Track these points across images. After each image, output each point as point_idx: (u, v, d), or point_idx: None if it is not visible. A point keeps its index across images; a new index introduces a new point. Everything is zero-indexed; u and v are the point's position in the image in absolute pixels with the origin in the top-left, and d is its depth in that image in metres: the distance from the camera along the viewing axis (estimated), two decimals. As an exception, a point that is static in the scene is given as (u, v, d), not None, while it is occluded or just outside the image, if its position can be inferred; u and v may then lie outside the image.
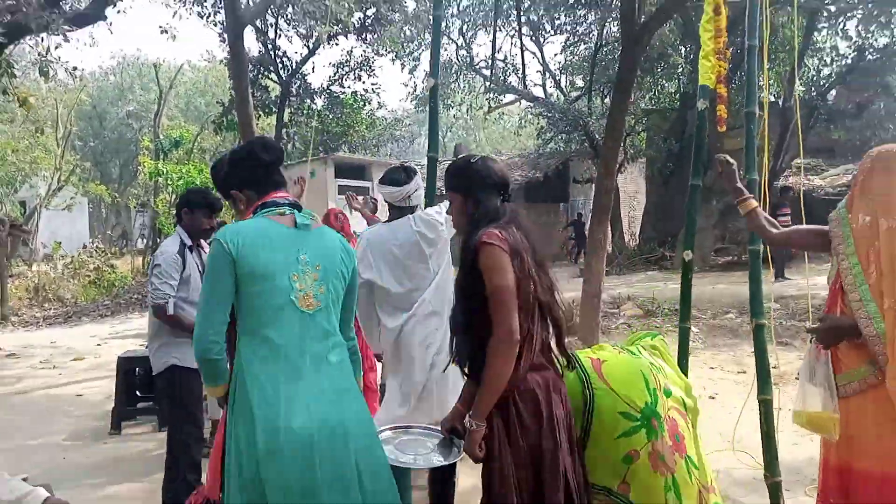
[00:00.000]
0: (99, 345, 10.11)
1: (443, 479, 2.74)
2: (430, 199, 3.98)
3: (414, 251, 3.58)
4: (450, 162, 2.62)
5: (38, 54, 9.04)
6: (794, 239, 2.93)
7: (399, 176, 3.64)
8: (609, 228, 12.17)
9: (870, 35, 15.33)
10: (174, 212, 4.59)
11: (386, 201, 3.73)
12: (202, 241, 4.05)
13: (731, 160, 2.97)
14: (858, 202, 2.51)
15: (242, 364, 2.12)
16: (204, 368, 2.18)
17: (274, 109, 19.84)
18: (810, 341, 2.60)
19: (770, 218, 2.94)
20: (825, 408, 2.45)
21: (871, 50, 15.76)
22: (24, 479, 3.76)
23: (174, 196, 19.09)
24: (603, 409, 2.46)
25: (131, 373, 6.03)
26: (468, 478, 3.84)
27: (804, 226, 2.90)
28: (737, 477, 4.31)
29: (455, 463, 2.49)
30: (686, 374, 3.78)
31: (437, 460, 2.43)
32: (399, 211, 3.67)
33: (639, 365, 2.62)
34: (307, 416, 2.07)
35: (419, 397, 3.55)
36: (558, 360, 2.40)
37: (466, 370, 2.33)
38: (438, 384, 3.56)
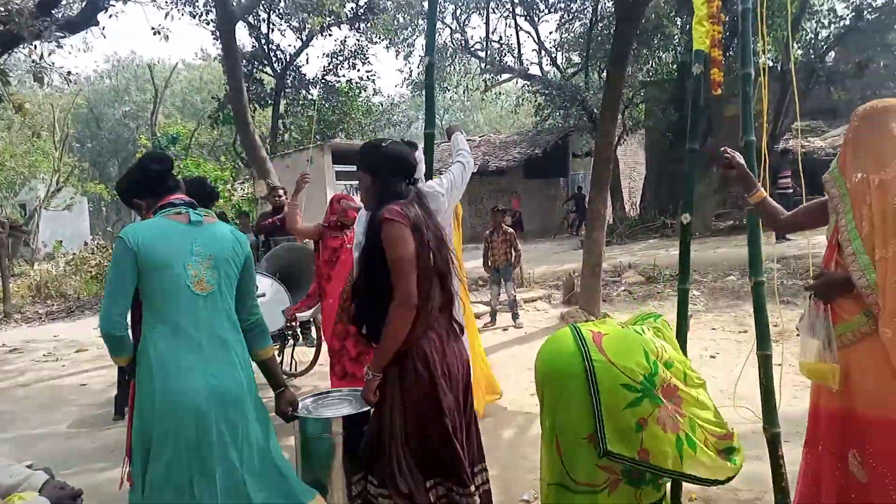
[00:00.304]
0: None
1: (355, 429, 2.85)
2: (429, 176, 4.00)
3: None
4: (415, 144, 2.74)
5: (33, 61, 9.05)
6: (801, 219, 2.91)
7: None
8: (609, 199, 12.14)
9: (867, -5, 15.18)
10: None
11: None
12: None
13: (733, 153, 2.98)
14: (850, 160, 2.54)
15: (146, 339, 2.47)
16: (109, 343, 2.49)
17: (270, 102, 19.83)
18: (809, 297, 2.65)
19: (777, 205, 2.95)
20: (824, 359, 2.53)
21: (869, 9, 15.59)
22: (29, 466, 3.78)
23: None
24: (604, 382, 2.48)
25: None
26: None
27: (806, 203, 2.89)
28: (738, 431, 4.27)
29: (367, 414, 2.74)
30: (685, 336, 3.76)
31: (346, 411, 2.82)
32: None
33: (639, 338, 2.66)
34: (202, 383, 2.42)
35: None
36: (458, 324, 2.68)
37: (365, 331, 2.56)
38: None
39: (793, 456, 3.43)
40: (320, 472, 2.90)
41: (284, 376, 6.48)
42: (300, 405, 2.93)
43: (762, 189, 2.96)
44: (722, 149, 3.00)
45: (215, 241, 2.60)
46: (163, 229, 2.51)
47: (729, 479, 2.72)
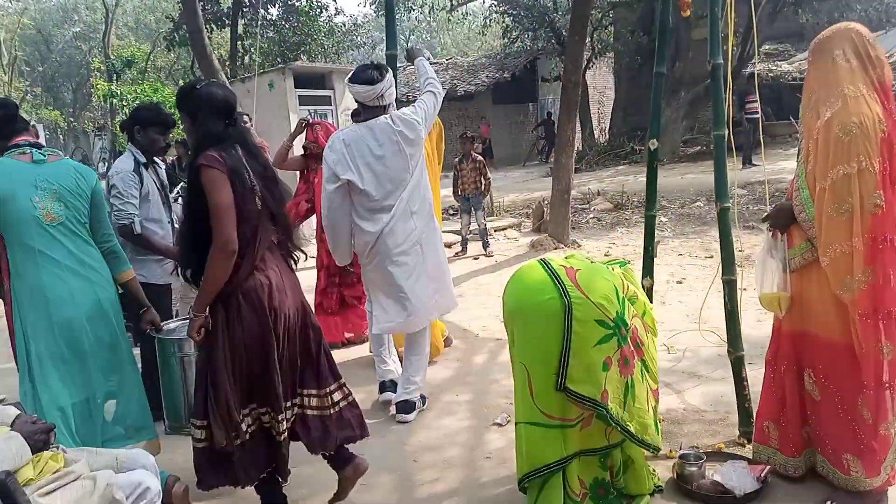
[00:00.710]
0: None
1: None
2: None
3: (395, 151, 3.51)
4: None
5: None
6: None
7: (372, 74, 3.51)
8: (578, 125, 12.07)
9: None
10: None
11: (357, 101, 3.61)
12: (156, 157, 3.93)
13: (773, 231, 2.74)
14: (806, 95, 2.59)
15: (11, 266, 2.82)
16: None
17: (227, 22, 19.05)
18: (766, 229, 2.74)
19: None
20: (776, 287, 2.64)
21: (839, -73, 15.35)
22: (2, 400, 3.74)
23: (131, 117, 18.48)
24: (581, 318, 2.47)
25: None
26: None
27: None
28: (703, 355, 4.43)
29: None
30: (652, 262, 3.81)
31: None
32: (372, 111, 3.56)
33: (609, 273, 2.65)
34: (68, 302, 2.80)
35: (412, 301, 3.67)
36: (293, 258, 2.77)
37: (190, 275, 2.61)
38: (421, 283, 3.69)
39: (755, 377, 3.57)
40: (178, 395, 3.15)
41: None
42: (165, 327, 3.25)
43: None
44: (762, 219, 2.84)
45: (59, 177, 2.88)
46: (8, 168, 2.80)
47: (652, 450, 2.70)
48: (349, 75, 3.63)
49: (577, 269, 2.60)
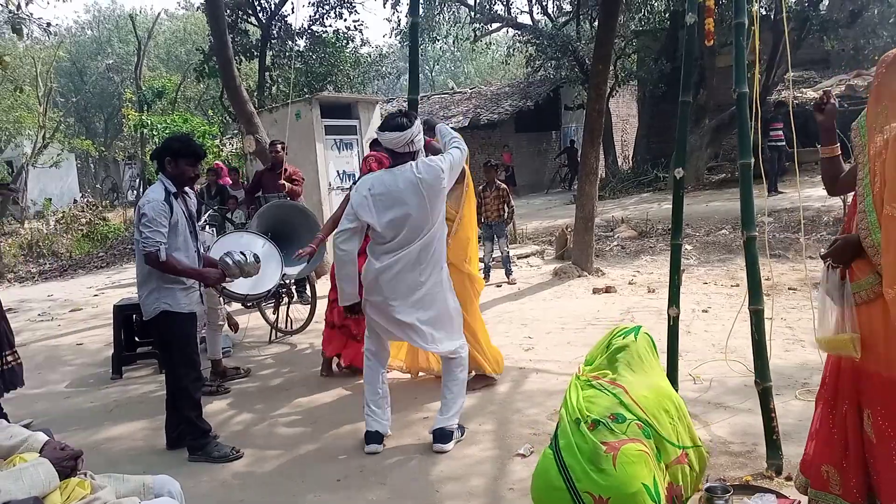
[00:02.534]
0: (96, 295, 10.15)
1: None
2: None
3: (417, 199, 3.57)
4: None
5: (9, 12, 8.79)
6: (845, 182, 2.78)
7: (401, 121, 3.59)
8: (601, 152, 12.07)
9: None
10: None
11: (387, 148, 3.68)
12: (186, 188, 4.02)
13: (835, 100, 2.75)
14: (873, 109, 2.39)
15: None
16: None
17: (255, 54, 19.42)
18: (827, 267, 2.50)
19: (843, 166, 2.74)
20: (843, 329, 2.41)
21: (864, -45, 15.33)
22: (28, 425, 3.80)
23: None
24: None
25: (129, 319, 6.07)
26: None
27: (845, 166, 2.77)
28: (730, 385, 4.37)
29: None
30: (678, 290, 3.78)
31: None
32: (401, 157, 3.64)
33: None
34: None
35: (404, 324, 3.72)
36: None
37: None
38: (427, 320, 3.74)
39: (782, 408, 3.51)
40: None
41: (280, 334, 6.57)
42: None
43: (839, 146, 2.75)
44: (825, 91, 2.80)
45: None
46: None
47: None
48: (379, 124, 3.73)
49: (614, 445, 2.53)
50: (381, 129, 3.66)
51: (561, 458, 2.57)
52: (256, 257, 4.19)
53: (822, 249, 2.65)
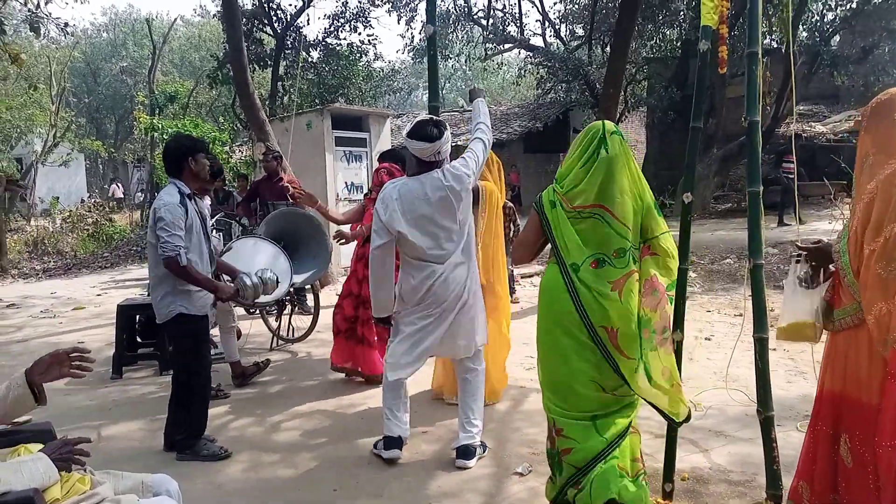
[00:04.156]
0: (99, 294, 10.16)
1: None
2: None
3: (444, 205, 3.56)
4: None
5: (28, 11, 8.89)
6: None
7: (431, 131, 3.56)
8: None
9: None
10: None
11: (414, 156, 3.65)
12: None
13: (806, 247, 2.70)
14: (860, 159, 2.50)
15: None
16: None
17: (269, 63, 19.57)
18: (794, 256, 2.68)
19: None
20: (807, 315, 2.57)
21: (877, -7, 15.45)
22: (27, 421, 3.79)
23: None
24: None
25: (131, 320, 6.08)
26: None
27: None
28: (730, 414, 4.35)
29: None
30: (683, 315, 3.77)
31: None
32: (427, 166, 3.62)
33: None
34: None
35: (443, 335, 3.70)
36: None
37: None
38: (463, 325, 3.72)
39: (783, 439, 3.50)
40: None
41: (282, 341, 6.57)
42: None
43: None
44: (798, 246, 2.75)
45: None
46: None
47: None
48: (407, 130, 3.65)
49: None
50: (410, 136, 3.59)
51: (576, 293, 2.83)
52: (277, 280, 4.21)
53: (799, 243, 2.71)
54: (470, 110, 4.45)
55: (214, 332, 5.22)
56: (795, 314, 2.61)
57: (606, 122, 3.07)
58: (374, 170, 5.36)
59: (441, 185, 3.55)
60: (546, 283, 3.01)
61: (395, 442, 3.75)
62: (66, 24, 9.98)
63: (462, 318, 3.71)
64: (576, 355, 2.85)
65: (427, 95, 4.50)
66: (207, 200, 4.18)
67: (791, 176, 12.29)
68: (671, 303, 2.96)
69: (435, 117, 3.75)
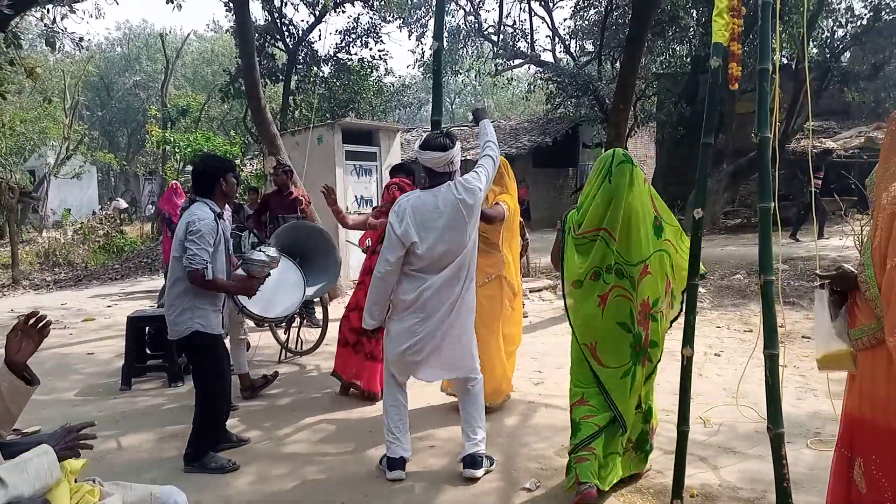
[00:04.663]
0: (109, 306, 10.22)
1: None
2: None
3: (456, 218, 3.58)
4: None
5: (45, 25, 9.00)
6: None
7: (443, 142, 3.62)
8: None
9: (886, -6, 15.02)
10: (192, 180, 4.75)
11: (425, 167, 3.69)
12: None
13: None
14: (882, 168, 2.43)
15: None
16: None
17: (281, 77, 19.73)
18: (819, 286, 2.55)
19: None
20: (836, 346, 2.46)
21: (887, 10, 15.43)
22: (37, 431, 3.81)
23: (182, 164, 19.10)
24: None
25: (141, 331, 6.11)
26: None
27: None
28: (740, 431, 4.32)
29: None
30: (693, 331, 3.76)
31: None
32: (439, 177, 3.66)
33: None
34: None
35: (430, 349, 3.67)
36: None
37: None
38: (448, 338, 3.68)
39: (793, 456, 3.47)
40: None
41: (291, 354, 6.58)
42: None
43: None
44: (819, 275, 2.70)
45: None
46: None
47: None
48: (419, 142, 3.71)
49: None
50: (423, 147, 3.65)
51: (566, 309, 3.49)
52: (272, 254, 4.15)
53: (819, 271, 2.67)
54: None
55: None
56: (828, 344, 2.51)
57: (618, 150, 3.50)
58: (385, 185, 5.38)
59: (454, 199, 3.58)
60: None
61: (397, 463, 3.75)
62: (81, 39, 10.10)
63: (451, 332, 3.68)
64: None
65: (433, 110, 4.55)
66: (228, 210, 4.22)
67: (817, 192, 12.23)
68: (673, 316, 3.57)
69: (447, 130, 3.80)
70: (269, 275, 4.13)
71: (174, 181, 10.51)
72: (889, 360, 2.27)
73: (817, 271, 2.72)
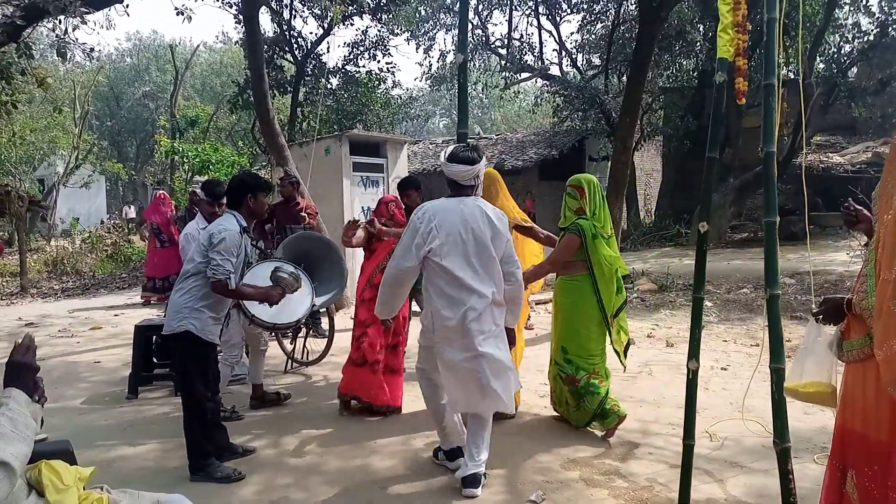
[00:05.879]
0: (116, 315, 10.25)
1: None
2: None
3: (485, 236, 3.59)
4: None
5: (56, 36, 9.09)
6: None
7: (471, 156, 3.65)
8: (624, 204, 12.13)
9: (893, 10, 15.04)
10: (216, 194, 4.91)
11: (450, 179, 3.71)
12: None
13: (858, 208, 2.83)
14: (885, 179, 2.43)
15: None
16: None
17: (289, 89, 19.87)
18: (816, 319, 2.63)
19: None
20: (831, 378, 2.57)
21: (894, 26, 15.47)
22: (44, 439, 3.82)
23: (190, 174, 19.21)
24: None
25: (148, 340, 6.12)
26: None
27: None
28: (746, 445, 4.31)
29: None
30: (699, 344, 3.76)
31: None
32: (463, 189, 3.68)
33: None
34: None
35: (488, 385, 3.61)
36: None
37: None
38: (485, 367, 3.61)
39: (799, 471, 3.46)
40: None
41: (297, 364, 6.58)
42: None
43: None
44: (846, 205, 2.86)
45: None
46: None
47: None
48: (447, 154, 3.72)
49: None
50: (450, 160, 3.66)
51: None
52: (296, 275, 4.23)
53: (814, 307, 2.69)
54: (486, 137, 4.56)
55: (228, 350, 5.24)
56: (811, 375, 2.61)
57: (586, 174, 4.82)
58: (379, 200, 5.45)
59: (480, 211, 3.62)
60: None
61: (454, 453, 3.90)
62: (92, 50, 10.19)
63: (494, 360, 3.62)
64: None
65: (443, 122, 4.63)
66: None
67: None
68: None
69: (472, 142, 3.82)
70: (293, 292, 4.16)
71: (160, 191, 10.56)
72: (877, 375, 2.29)
73: (812, 311, 2.72)
